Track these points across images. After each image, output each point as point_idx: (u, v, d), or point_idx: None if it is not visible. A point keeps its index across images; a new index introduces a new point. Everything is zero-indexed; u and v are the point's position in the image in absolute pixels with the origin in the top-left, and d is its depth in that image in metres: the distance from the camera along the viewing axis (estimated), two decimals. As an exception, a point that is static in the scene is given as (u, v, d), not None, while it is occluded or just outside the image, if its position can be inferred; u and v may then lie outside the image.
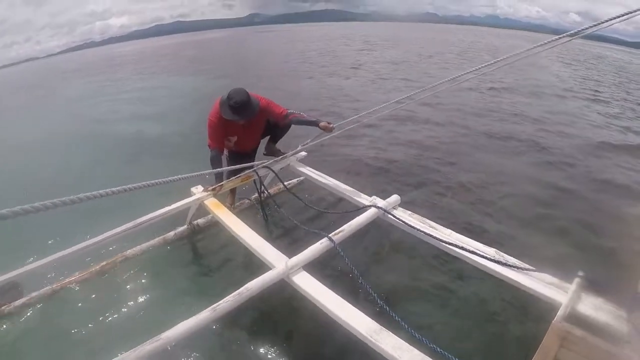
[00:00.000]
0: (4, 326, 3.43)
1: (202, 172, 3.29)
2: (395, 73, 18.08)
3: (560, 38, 3.25)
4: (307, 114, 4.28)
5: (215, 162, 4.05)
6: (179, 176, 2.60)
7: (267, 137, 4.72)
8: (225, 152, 4.43)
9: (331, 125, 4.15)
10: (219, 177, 4.15)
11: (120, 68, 29.98)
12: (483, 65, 3.58)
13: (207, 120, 4.10)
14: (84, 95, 17.50)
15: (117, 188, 1.85)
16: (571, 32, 3.23)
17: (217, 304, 2.57)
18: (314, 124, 4.19)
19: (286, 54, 29.51)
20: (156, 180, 2.23)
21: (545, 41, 3.30)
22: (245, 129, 4.19)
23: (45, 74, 36.76)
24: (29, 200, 1.41)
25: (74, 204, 1.57)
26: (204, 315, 2.49)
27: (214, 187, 4.08)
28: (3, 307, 3.48)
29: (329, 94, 13.26)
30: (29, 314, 3.54)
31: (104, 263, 4.03)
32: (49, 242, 4.40)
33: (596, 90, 15.84)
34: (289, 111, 4.24)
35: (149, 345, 2.26)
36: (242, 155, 4.48)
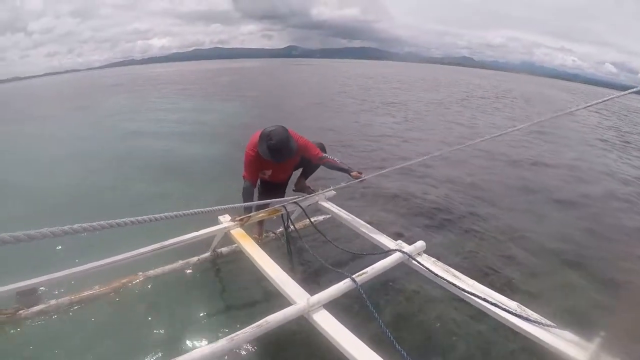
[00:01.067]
0: (19, 330, 3.46)
1: (231, 205, 3.33)
2: (429, 114, 18.16)
3: (627, 94, 3.16)
4: (339, 161, 4.31)
5: (247, 194, 4.09)
6: (208, 208, 2.66)
7: (299, 170, 4.76)
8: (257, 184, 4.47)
9: (362, 176, 4.19)
10: (247, 209, 4.18)
11: (160, 88, 30.62)
12: (535, 122, 3.54)
13: (245, 152, 4.14)
14: (121, 110, 17.94)
15: (143, 217, 1.87)
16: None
17: (235, 334, 2.55)
18: (347, 171, 4.23)
19: (323, 88, 29.90)
20: (184, 212, 2.27)
21: (611, 97, 3.17)
22: (280, 165, 4.23)
23: (86, 86, 37.86)
24: (55, 214, 1.44)
25: (95, 231, 1.61)
26: (221, 344, 2.47)
27: (242, 217, 4.10)
28: (20, 312, 3.50)
29: (363, 132, 13.41)
30: (44, 321, 3.56)
31: (124, 280, 4.06)
32: (73, 252, 4.43)
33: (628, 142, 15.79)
34: (324, 155, 4.30)
35: (164, 369, 2.24)
36: (274, 185, 4.55)
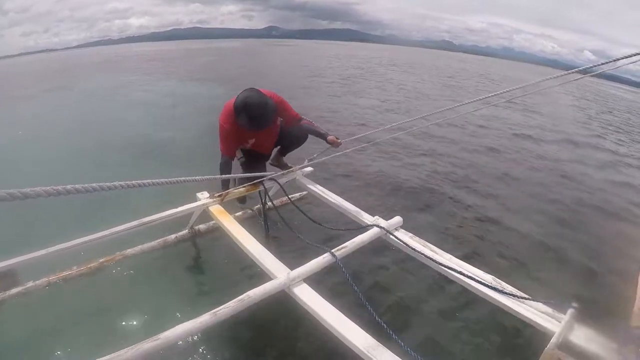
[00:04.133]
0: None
1: (210, 177, 3.31)
2: (410, 96, 18.15)
3: (570, 73, 3.23)
4: (318, 125, 4.26)
5: (225, 169, 4.01)
6: (186, 178, 2.64)
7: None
8: (238, 155, 4.37)
9: (339, 141, 4.16)
10: (225, 184, 4.13)
11: (137, 68, 30.04)
12: (501, 92, 3.56)
13: (219, 126, 3.96)
14: (96, 92, 17.55)
15: (123, 182, 1.88)
16: (581, 68, 3.21)
17: (217, 308, 2.57)
18: (323, 136, 4.20)
19: (302, 68, 29.67)
20: (164, 180, 2.26)
21: (556, 75, 3.26)
22: (263, 131, 4.09)
23: (62, 66, 37.13)
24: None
25: (79, 194, 1.63)
26: (204, 318, 2.49)
27: (220, 193, 4.05)
28: (-3, 295, 3.46)
29: (344, 111, 13.37)
30: (23, 303, 3.54)
31: (102, 260, 4.03)
32: (49, 233, 4.31)
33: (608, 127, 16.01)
34: (302, 117, 4.23)
35: (148, 344, 2.26)
36: (259, 156, 4.46)
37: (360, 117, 12.74)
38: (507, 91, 3.51)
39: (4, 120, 12.28)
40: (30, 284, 3.63)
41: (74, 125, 11.22)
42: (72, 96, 16.84)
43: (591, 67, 3.18)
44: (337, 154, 4.34)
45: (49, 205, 4.47)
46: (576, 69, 3.20)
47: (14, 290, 3.52)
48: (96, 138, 9.63)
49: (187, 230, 4.58)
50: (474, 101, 3.69)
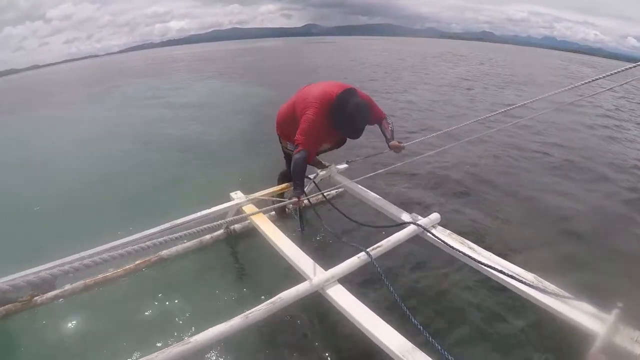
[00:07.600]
0: (35, 317, 3.51)
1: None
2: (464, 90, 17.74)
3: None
4: (391, 128, 4.01)
5: (303, 167, 3.61)
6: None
7: None
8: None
9: (402, 145, 3.97)
10: (300, 183, 3.68)
11: (179, 70, 30.69)
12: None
13: (308, 118, 3.58)
14: (139, 95, 17.99)
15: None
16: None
17: (249, 311, 2.54)
18: (387, 140, 3.96)
19: (347, 66, 29.53)
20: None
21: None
22: (339, 137, 4.05)
23: (105, 71, 38.29)
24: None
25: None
26: (236, 321, 2.47)
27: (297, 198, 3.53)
28: (35, 298, 3.55)
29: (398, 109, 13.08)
30: (60, 306, 3.61)
31: (138, 262, 4.06)
32: (84, 237, 4.37)
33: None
34: (386, 115, 4.03)
35: (178, 348, 2.25)
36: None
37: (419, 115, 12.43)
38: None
39: (64, 123, 12.87)
40: (67, 287, 3.71)
41: (118, 126, 11.89)
42: (116, 98, 17.38)
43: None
44: (380, 171, 4.29)
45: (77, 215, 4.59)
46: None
47: (51, 294, 3.60)
48: (146, 134, 10.27)
49: (222, 231, 4.57)
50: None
